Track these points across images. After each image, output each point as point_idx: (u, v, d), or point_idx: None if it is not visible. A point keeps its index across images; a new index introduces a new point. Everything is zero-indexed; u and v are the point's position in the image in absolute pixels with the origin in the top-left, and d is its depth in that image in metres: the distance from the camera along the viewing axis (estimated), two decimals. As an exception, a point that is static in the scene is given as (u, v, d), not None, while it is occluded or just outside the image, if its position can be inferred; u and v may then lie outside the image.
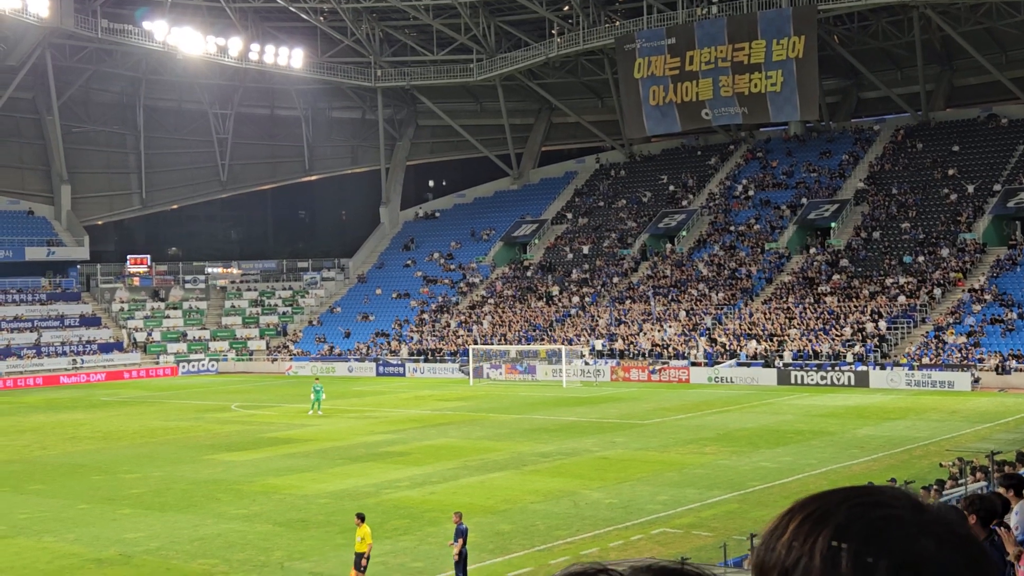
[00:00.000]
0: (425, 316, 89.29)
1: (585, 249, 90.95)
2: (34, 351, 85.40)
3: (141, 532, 28.78)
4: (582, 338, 76.58)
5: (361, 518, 23.60)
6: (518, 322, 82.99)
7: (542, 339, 78.45)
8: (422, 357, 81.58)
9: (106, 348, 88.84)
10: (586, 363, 72.35)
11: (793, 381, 64.22)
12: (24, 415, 59.19)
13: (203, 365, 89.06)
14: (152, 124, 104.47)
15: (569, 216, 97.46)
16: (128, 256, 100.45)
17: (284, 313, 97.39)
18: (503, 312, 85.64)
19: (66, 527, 29.72)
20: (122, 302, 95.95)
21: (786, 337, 69.31)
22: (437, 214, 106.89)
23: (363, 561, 22.82)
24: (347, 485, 34.66)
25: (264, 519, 29.95)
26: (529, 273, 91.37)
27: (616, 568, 1.20)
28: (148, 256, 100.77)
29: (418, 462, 38.88)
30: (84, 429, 52.05)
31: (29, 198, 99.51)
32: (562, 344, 73.98)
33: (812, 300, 73.01)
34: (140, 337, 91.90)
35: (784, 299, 74.34)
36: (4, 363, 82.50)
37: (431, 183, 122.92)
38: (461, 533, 22.75)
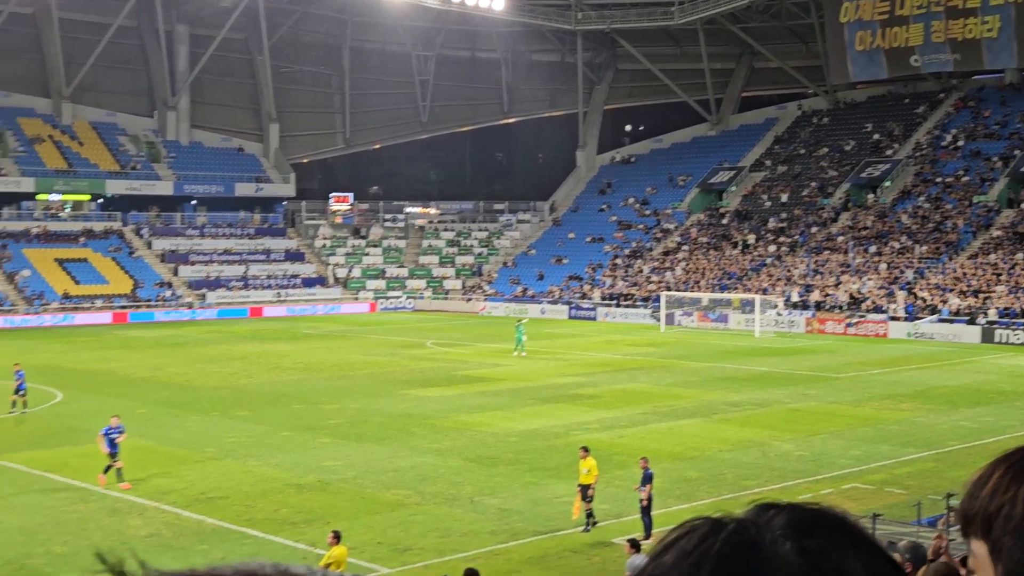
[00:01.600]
0: (618, 261, 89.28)
1: (783, 197, 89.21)
2: (242, 283, 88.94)
3: (338, 461, 29.88)
4: (777, 288, 75.38)
5: (586, 450, 23.96)
6: (712, 270, 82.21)
7: (735, 288, 77.55)
8: (614, 302, 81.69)
9: (309, 283, 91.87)
10: (779, 314, 71.24)
11: (998, 340, 61.89)
12: (232, 345, 61.84)
13: (400, 302, 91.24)
14: (357, 65, 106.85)
15: (768, 163, 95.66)
16: (331, 194, 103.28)
17: (480, 254, 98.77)
18: (697, 259, 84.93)
19: (269, 452, 31.08)
20: (325, 239, 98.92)
21: (992, 294, 66.74)
22: (633, 159, 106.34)
23: (589, 491, 23.19)
24: (537, 425, 35.18)
25: (455, 454, 30.70)
26: (725, 220, 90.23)
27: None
28: (350, 194, 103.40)
29: (607, 405, 39.14)
30: (287, 360, 54.10)
31: (239, 136, 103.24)
32: (756, 293, 72.99)
33: (1022, 256, 70.05)
34: (341, 273, 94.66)
35: (991, 254, 71.53)
36: (214, 294, 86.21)
37: (628, 128, 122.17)
38: (648, 478, 22.88)
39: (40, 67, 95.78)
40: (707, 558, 1.14)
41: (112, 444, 26.99)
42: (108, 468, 26.94)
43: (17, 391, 37.90)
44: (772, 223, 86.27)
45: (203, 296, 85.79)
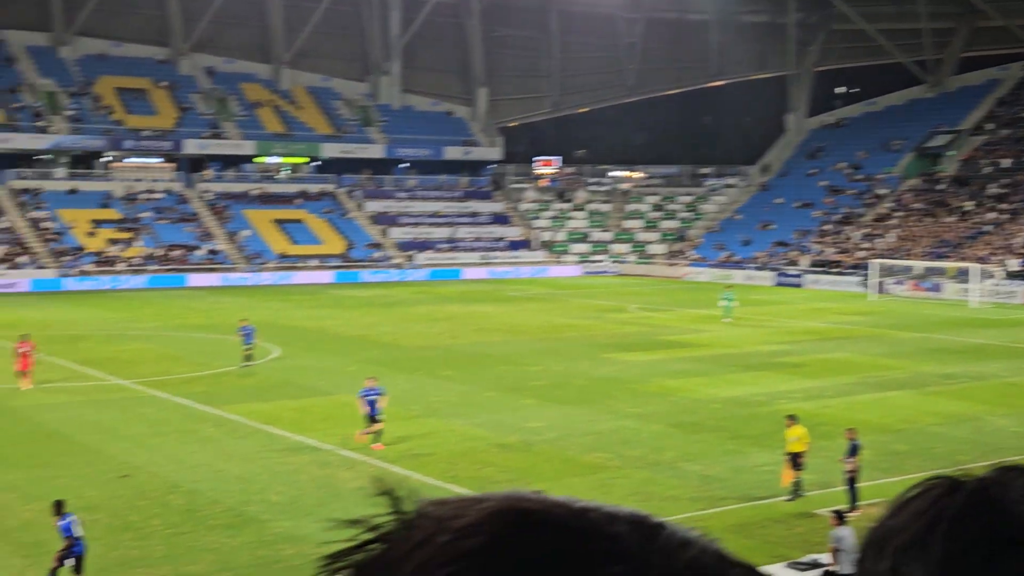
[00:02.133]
0: (827, 227, 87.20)
1: (1006, 163, 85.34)
2: (449, 245, 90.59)
3: (541, 422, 30.26)
4: (995, 257, 72.31)
5: (793, 419, 23.69)
6: (926, 237, 79.44)
7: (950, 256, 74.75)
8: (822, 269, 79.90)
9: (514, 245, 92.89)
10: (997, 284, 68.38)
11: None
12: (439, 305, 63.15)
13: (604, 266, 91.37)
14: (565, 29, 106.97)
15: (989, 127, 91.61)
16: (537, 157, 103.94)
17: (684, 218, 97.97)
18: (910, 226, 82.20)
19: (473, 412, 31.71)
20: (530, 202, 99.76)
21: None
22: (844, 122, 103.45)
23: (800, 460, 22.95)
24: (740, 392, 34.83)
25: (657, 419, 30.69)
26: (941, 186, 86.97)
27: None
28: (557, 158, 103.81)
29: (813, 375, 38.42)
30: (492, 321, 54.93)
31: (449, 100, 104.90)
32: (973, 262, 70.21)
33: None
34: (546, 236, 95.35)
35: None
36: (422, 255, 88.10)
37: (839, 90, 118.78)
38: (854, 449, 22.42)
39: (262, 34, 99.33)
40: (942, 519, 1.06)
41: (372, 405, 27.04)
42: (373, 432, 26.92)
43: (245, 346, 39.58)
44: (992, 189, 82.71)
45: (411, 257, 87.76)
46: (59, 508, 18.11)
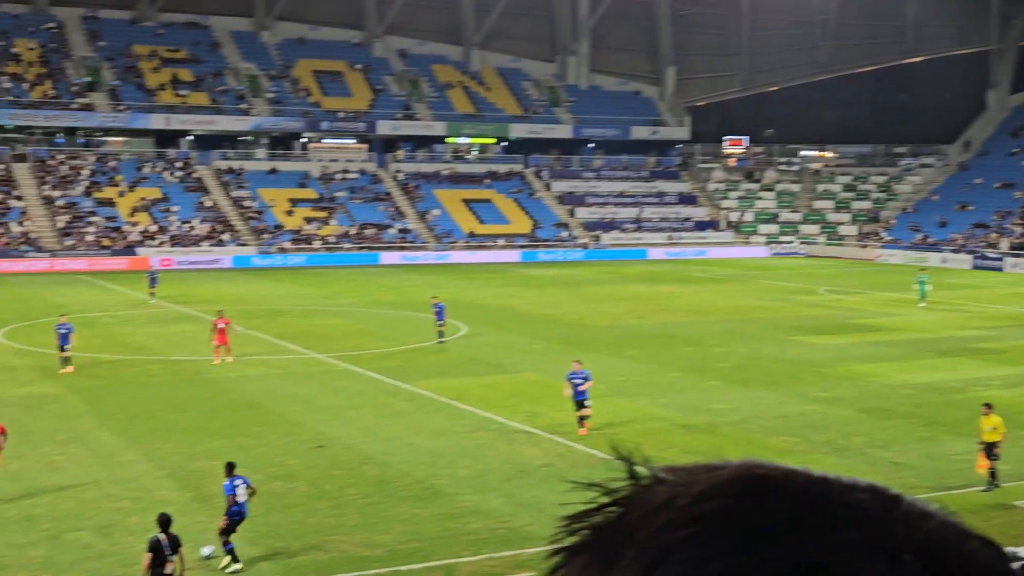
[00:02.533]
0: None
1: None
2: (635, 225, 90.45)
3: (726, 404, 30.13)
4: None
5: (989, 407, 23.09)
6: None
7: None
8: (1023, 252, 76.89)
9: (701, 226, 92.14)
10: None
11: None
12: (623, 285, 63.22)
13: (792, 247, 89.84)
14: (755, 5, 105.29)
15: None
16: (726, 137, 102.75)
17: (877, 199, 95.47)
18: (1121, 208, 78.31)
19: (658, 392, 31.78)
20: (718, 182, 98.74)
21: None
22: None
23: (995, 450, 22.39)
24: (933, 378, 33.94)
25: (846, 404, 30.19)
26: None
27: None
28: (745, 137, 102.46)
29: (1012, 361, 37.12)
30: (677, 302, 54.76)
31: (636, 79, 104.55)
32: None
33: None
34: (733, 217, 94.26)
35: None
36: (608, 235, 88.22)
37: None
38: (1054, 440, 21.68)
39: (452, 16, 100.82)
40: None
41: (576, 390, 26.69)
42: (582, 416, 26.63)
43: (438, 323, 40.40)
44: None
45: (597, 237, 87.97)
46: (230, 469, 18.66)
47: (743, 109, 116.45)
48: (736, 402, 30.30)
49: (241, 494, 18.20)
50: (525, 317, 48.52)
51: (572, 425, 27.22)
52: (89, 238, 75.18)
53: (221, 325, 36.39)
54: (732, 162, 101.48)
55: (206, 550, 17.90)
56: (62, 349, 34.27)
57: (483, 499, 21.32)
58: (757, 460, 1.04)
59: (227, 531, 17.98)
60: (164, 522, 16.06)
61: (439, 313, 40.43)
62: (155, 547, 15.72)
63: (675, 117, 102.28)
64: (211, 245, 77.13)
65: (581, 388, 26.58)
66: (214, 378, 33.71)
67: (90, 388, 31.75)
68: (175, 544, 15.87)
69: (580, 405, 26.57)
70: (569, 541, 1.05)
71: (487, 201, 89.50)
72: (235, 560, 17.69)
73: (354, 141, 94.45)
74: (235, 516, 18.09)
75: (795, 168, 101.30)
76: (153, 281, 54.57)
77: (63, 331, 34.11)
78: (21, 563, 17.71)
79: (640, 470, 1.06)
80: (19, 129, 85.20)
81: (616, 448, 1.14)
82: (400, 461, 24.08)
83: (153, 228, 77.67)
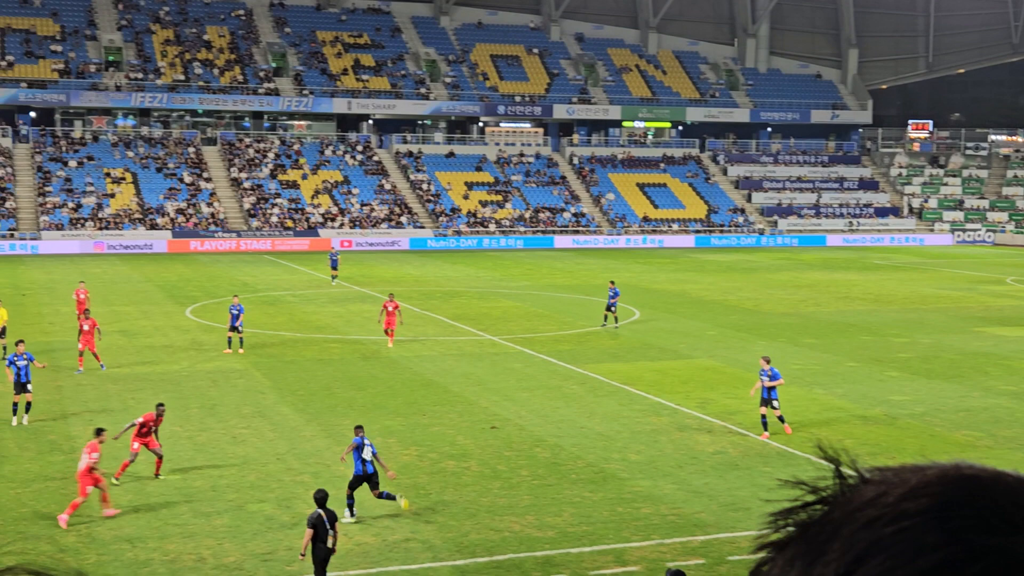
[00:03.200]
0: None
1: None
2: (813, 211, 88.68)
3: (906, 396, 29.35)
4: None
5: None
6: None
7: None
8: None
9: (881, 212, 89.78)
10: None
11: None
12: (801, 272, 62.11)
13: (979, 235, 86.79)
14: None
15: None
16: (909, 121, 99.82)
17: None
18: None
19: (834, 382, 31.16)
20: (900, 167, 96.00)
21: None
22: None
23: None
24: None
25: (1034, 399, 29.09)
26: None
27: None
28: (930, 121, 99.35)
29: None
30: (856, 290, 53.53)
31: (817, 62, 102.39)
32: None
33: None
34: (916, 203, 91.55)
35: None
36: (785, 221, 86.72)
37: None
38: None
39: (630, 0, 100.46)
40: None
41: (765, 388, 25.41)
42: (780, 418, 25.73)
43: (609, 308, 40.37)
44: None
45: (774, 223, 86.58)
46: (358, 430, 20.00)
47: (928, 92, 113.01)
48: (917, 394, 29.49)
49: (366, 454, 19.41)
50: (699, 303, 48.14)
51: (745, 413, 26.91)
52: (273, 219, 77.59)
53: (391, 308, 36.73)
54: (916, 147, 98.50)
55: (348, 518, 18.82)
56: (233, 329, 34.64)
57: (654, 485, 21.29)
58: (966, 461, 1.05)
59: (352, 485, 19.31)
60: (321, 499, 16.63)
61: (613, 297, 40.25)
62: (316, 523, 16.26)
63: (857, 100, 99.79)
64: (389, 227, 78.70)
65: (770, 385, 25.39)
66: (391, 357, 34.43)
67: (273, 365, 32.83)
68: (332, 519, 16.39)
69: (767, 403, 25.21)
70: (775, 537, 1.06)
71: (662, 185, 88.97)
72: (352, 514, 19.04)
73: (530, 125, 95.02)
74: (358, 473, 19.30)
75: (983, 153, 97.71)
76: (334, 264, 55.36)
77: (235, 311, 34.73)
78: (207, 531, 18.47)
79: (847, 470, 1.08)
80: (208, 113, 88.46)
81: (822, 448, 1.17)
82: (572, 444, 24.22)
83: (334, 210, 79.68)
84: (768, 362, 25.84)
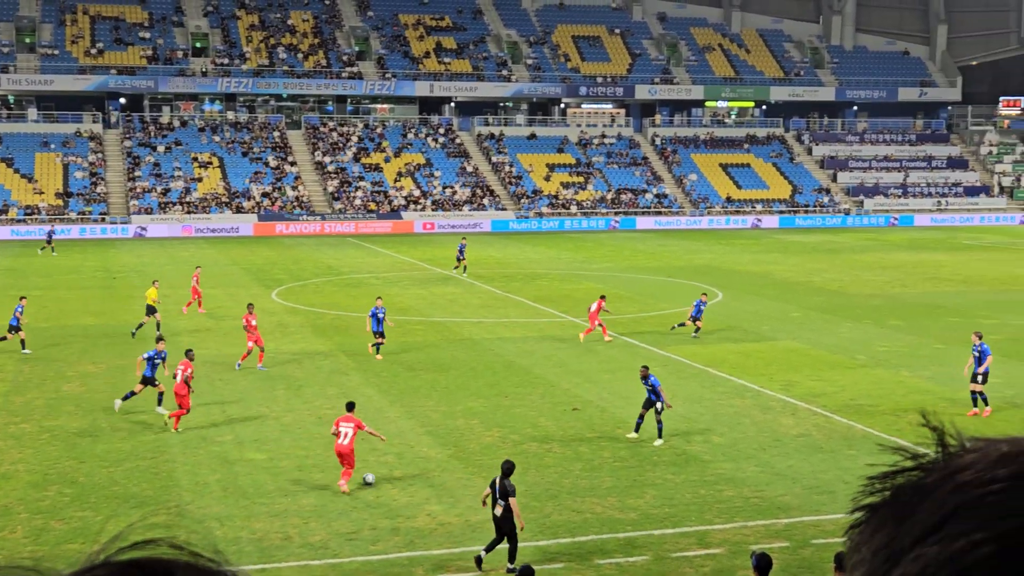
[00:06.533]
0: None
1: None
2: (900, 191, 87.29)
3: (996, 378, 28.52)
4: None
5: None
6: None
7: None
8: None
9: (971, 191, 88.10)
10: None
11: None
12: (887, 252, 61.23)
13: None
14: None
15: None
16: (1000, 98, 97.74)
17: None
18: None
19: (922, 364, 30.73)
20: (991, 145, 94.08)
21: None
22: None
23: None
24: None
25: None
26: None
27: None
28: (1021, 98, 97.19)
29: None
30: (944, 271, 52.67)
31: (905, 38, 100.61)
32: None
33: None
34: (1007, 182, 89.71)
35: None
36: (871, 201, 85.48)
37: None
38: None
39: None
40: None
41: (979, 366, 25.55)
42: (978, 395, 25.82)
43: (694, 319, 35.70)
44: None
45: (860, 203, 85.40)
46: (644, 371, 23.37)
47: (1020, 68, 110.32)
48: (1008, 376, 28.97)
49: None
50: (783, 284, 47.70)
51: (830, 396, 26.70)
52: (357, 202, 78.26)
53: (593, 307, 34.45)
54: (1006, 124, 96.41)
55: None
56: (377, 334, 31.78)
57: (737, 467, 21.21)
58: None
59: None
60: (506, 469, 16.78)
61: (697, 308, 35.53)
62: (492, 485, 16.69)
63: (946, 77, 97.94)
64: (471, 209, 78.97)
65: (984, 364, 25.21)
66: (474, 339, 34.61)
67: (357, 347, 33.15)
68: (504, 492, 16.41)
69: (974, 379, 25.44)
70: (871, 500, 1.11)
71: (745, 166, 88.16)
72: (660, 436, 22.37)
73: (612, 106, 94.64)
74: None
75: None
76: (461, 253, 51.04)
77: (379, 314, 31.81)
78: (293, 511, 18.78)
79: (950, 439, 1.13)
80: (293, 98, 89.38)
81: (926, 416, 1.21)
82: (654, 427, 24.19)
83: (416, 193, 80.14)
84: (980, 338, 25.82)
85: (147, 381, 25.27)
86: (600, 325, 34.31)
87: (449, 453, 22.21)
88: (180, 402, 23.74)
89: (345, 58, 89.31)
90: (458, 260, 50.81)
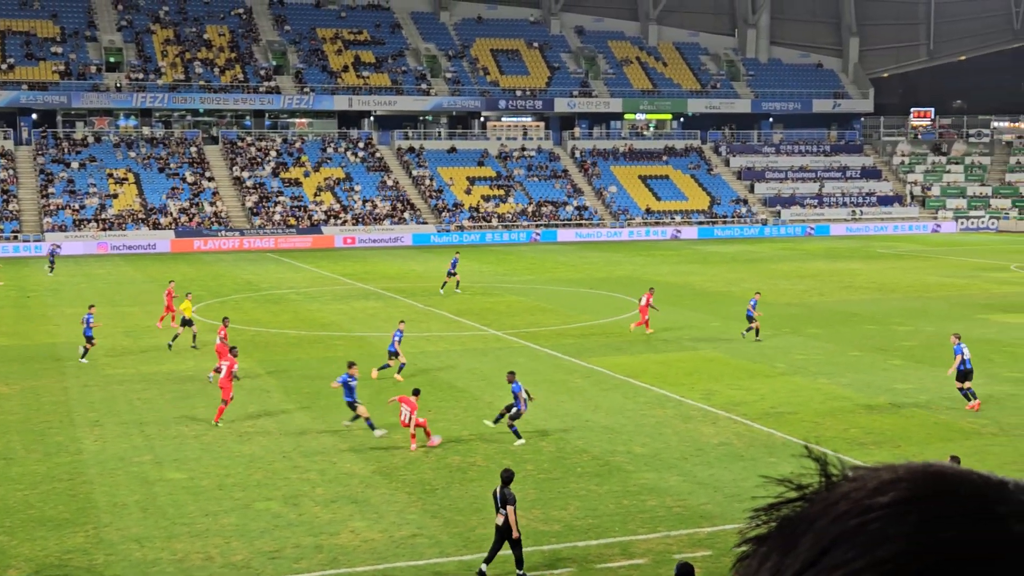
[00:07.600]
0: None
1: None
2: (816, 201, 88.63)
3: (910, 384, 29.37)
4: None
5: None
6: None
7: None
8: None
9: (885, 201, 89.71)
10: None
11: None
12: (804, 262, 62.11)
13: (982, 222, 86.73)
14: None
15: None
16: (911, 109, 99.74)
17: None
18: None
19: (839, 371, 31.18)
20: (903, 155, 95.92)
21: None
22: None
23: None
24: None
25: (1038, 385, 29.10)
26: None
27: None
28: (931, 109, 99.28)
29: None
30: (860, 279, 53.54)
31: (818, 51, 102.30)
32: None
33: None
34: (919, 191, 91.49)
35: None
36: (788, 211, 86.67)
37: None
38: None
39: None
40: None
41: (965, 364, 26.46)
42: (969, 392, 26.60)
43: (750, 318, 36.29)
44: None
45: (777, 213, 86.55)
46: (511, 377, 24.72)
47: (929, 80, 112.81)
48: (922, 382, 29.52)
49: (523, 397, 23.95)
50: (703, 294, 48.16)
51: (749, 405, 26.97)
52: (276, 217, 77.64)
53: (643, 300, 36.86)
54: (918, 135, 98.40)
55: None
56: (391, 355, 31.25)
57: (660, 477, 21.34)
58: (937, 461, 1.12)
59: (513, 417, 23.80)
60: (505, 478, 17.01)
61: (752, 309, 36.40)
62: (494, 496, 16.96)
63: (858, 89, 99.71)
64: (392, 223, 78.73)
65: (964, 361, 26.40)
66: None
67: (278, 363, 32.86)
68: (504, 500, 16.53)
69: (964, 377, 26.42)
70: (756, 532, 1.14)
71: (664, 177, 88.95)
72: (518, 437, 23.73)
73: (531, 119, 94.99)
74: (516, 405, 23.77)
75: (985, 140, 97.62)
76: (453, 267, 49.90)
77: (396, 337, 31.41)
78: (215, 530, 18.53)
79: (832, 469, 1.16)
80: (210, 113, 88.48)
81: (809, 449, 1.25)
82: (577, 437, 24.27)
83: (337, 207, 79.71)
84: (959, 338, 26.81)
85: (351, 405, 24.94)
86: (646, 321, 36.64)
87: (372, 469, 22.08)
88: (223, 396, 25.62)
89: (263, 72, 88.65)
90: (448, 275, 49.44)
